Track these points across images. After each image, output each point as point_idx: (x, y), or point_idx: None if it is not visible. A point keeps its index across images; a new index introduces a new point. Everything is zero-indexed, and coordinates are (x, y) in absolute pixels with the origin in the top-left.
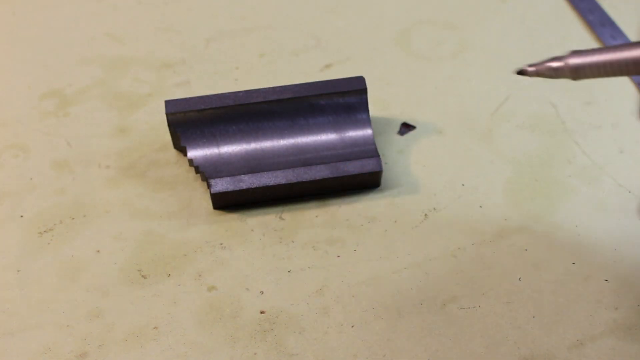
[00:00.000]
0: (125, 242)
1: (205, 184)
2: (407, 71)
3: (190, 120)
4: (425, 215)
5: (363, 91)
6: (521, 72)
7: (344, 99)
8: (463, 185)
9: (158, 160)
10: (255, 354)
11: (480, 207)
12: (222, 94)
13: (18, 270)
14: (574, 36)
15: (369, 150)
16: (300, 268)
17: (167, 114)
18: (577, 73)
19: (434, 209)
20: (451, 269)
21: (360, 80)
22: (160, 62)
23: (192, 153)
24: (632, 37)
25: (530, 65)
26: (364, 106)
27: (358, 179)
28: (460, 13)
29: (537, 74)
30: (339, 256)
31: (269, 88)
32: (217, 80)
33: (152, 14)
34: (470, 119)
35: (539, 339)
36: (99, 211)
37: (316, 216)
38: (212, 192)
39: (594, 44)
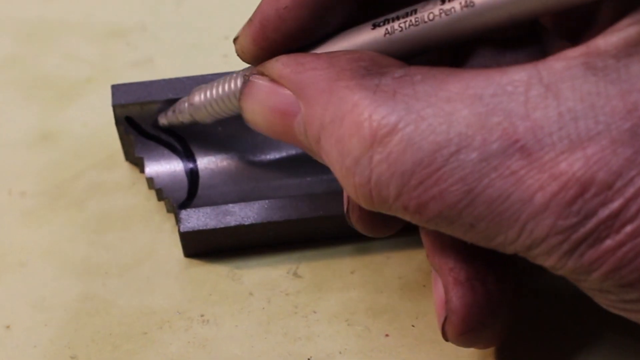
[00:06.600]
0: (51, 312)
1: (172, 216)
2: None
3: (150, 117)
4: None
5: None
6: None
7: None
8: None
9: (102, 183)
10: None
11: None
12: (201, 77)
13: None
14: None
15: None
16: (326, 354)
17: (115, 107)
18: (194, 115)
19: None
20: None
21: None
22: (106, 28)
23: (153, 168)
24: None
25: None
26: None
27: None
28: None
29: (169, 121)
30: (387, 335)
31: None
32: (196, 57)
33: None
34: None
35: None
36: (9, 263)
37: (352, 272)
38: (181, 229)
39: None
